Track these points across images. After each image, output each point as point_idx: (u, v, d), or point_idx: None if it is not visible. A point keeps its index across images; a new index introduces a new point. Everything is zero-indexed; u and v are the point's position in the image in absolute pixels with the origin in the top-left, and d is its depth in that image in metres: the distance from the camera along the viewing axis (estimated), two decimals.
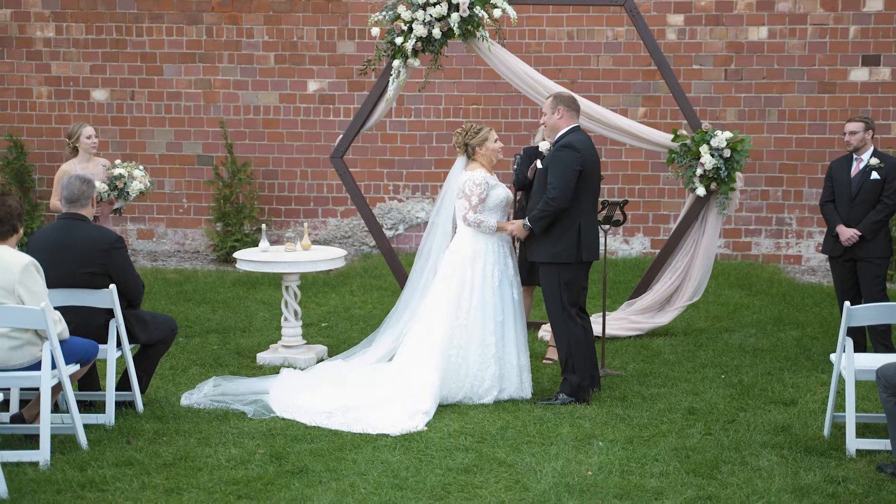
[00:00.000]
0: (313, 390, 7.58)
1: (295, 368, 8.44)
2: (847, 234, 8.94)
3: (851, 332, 8.62)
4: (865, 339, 8.67)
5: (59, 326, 6.42)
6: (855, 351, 6.75)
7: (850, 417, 6.57)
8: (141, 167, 9.69)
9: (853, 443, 6.56)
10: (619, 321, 9.92)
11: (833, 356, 7.00)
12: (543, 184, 7.78)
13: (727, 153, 9.59)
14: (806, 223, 13.26)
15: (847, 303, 6.86)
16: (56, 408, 6.97)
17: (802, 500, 5.81)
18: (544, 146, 8.47)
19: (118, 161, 9.72)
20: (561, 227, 7.71)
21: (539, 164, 8.35)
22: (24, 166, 13.64)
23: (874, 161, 9.00)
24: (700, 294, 9.95)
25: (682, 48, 13.36)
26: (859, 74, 13.16)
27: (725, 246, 13.48)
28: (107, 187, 9.23)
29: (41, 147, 13.92)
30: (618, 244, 13.61)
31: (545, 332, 9.57)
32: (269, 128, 13.71)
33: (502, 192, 7.96)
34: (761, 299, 11.39)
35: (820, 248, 12.33)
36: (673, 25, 13.40)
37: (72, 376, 6.64)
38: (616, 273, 12.40)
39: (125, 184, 9.32)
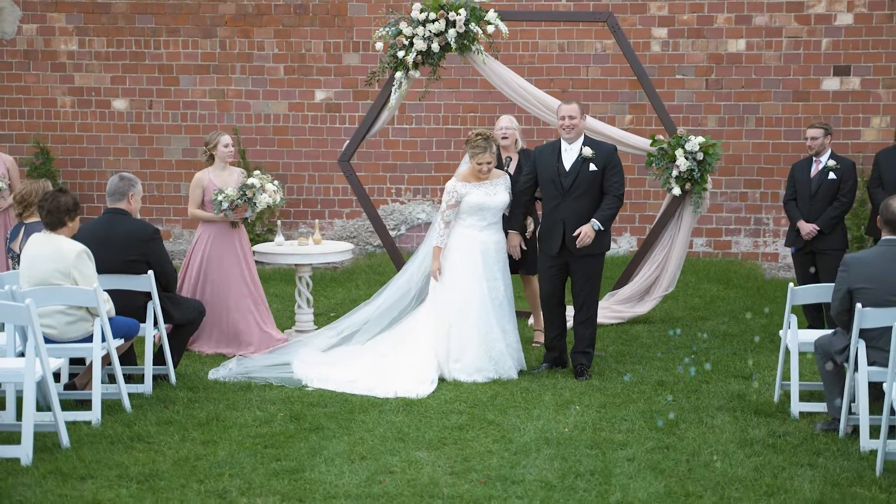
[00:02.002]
0: (333, 365, 8.57)
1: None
2: (807, 228, 9.88)
3: (810, 313, 9.57)
4: (823, 319, 9.59)
5: (107, 305, 7.39)
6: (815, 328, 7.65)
7: (794, 384, 7.51)
8: (276, 183, 9.60)
9: (796, 406, 7.51)
10: (603, 310, 10.77)
11: (781, 332, 7.94)
12: (594, 181, 8.56)
13: (700, 156, 10.43)
14: (782, 223, 13.75)
15: (791, 284, 7.81)
16: (101, 381, 7.90)
17: (746, 448, 6.76)
18: (588, 151, 8.70)
19: (257, 172, 9.73)
20: None
21: (591, 165, 8.71)
22: (49, 171, 14.23)
23: (831, 163, 9.93)
24: (674, 285, 10.82)
25: (666, 59, 14.01)
26: (831, 84, 13.79)
27: (707, 244, 14.24)
28: (237, 195, 9.29)
29: (65, 153, 14.51)
30: (610, 244, 14.42)
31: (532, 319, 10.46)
32: (279, 135, 14.33)
33: (474, 199, 8.72)
34: (736, 292, 12.23)
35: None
36: (657, 38, 14.06)
37: (117, 349, 7.59)
38: (605, 270, 13.19)
39: (254, 194, 9.32)
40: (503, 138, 9.75)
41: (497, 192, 8.78)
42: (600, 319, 10.60)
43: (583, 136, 8.77)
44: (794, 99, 13.88)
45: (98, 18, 14.47)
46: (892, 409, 6.29)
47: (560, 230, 8.60)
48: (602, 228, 8.59)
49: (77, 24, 14.49)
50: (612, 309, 10.84)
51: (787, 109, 13.89)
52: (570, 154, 8.68)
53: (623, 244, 14.20)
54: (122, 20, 14.46)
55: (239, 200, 9.31)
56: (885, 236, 6.92)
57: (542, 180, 8.72)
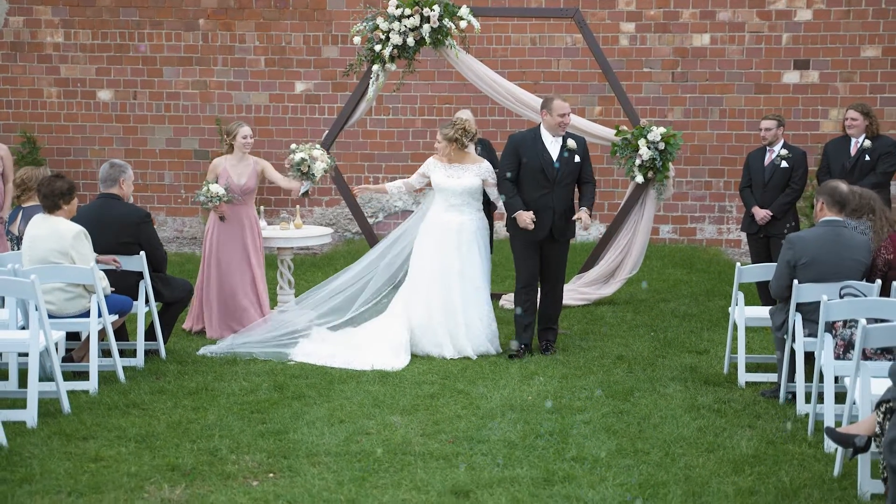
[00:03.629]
0: (319, 341, 9.14)
1: None
2: (761, 214, 10.47)
3: (764, 292, 10.09)
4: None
5: (103, 283, 7.93)
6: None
7: (741, 356, 8.12)
8: (318, 146, 9.97)
9: (743, 376, 8.13)
10: (570, 292, 11.30)
11: (730, 309, 8.54)
12: (576, 171, 9.14)
13: (661, 146, 10.95)
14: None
15: (738, 263, 8.40)
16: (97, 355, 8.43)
17: (692, 412, 7.37)
18: (572, 143, 9.20)
19: (293, 146, 9.99)
20: (573, 209, 9.22)
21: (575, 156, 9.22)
22: (36, 160, 14.49)
23: (784, 152, 10.52)
24: (638, 268, 11.38)
25: (634, 53, 14.47)
26: (791, 77, 14.31)
27: (673, 231, 14.74)
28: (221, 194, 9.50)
29: (51, 143, 14.89)
30: (577, 230, 14.94)
31: (505, 301, 11.00)
32: (260, 125, 14.67)
33: (435, 178, 9.33)
34: (699, 276, 12.77)
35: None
36: (625, 32, 14.48)
37: (112, 324, 8.12)
38: (574, 255, 13.53)
39: (309, 167, 9.72)
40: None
41: (461, 177, 9.25)
42: (567, 301, 11.11)
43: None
44: (756, 91, 14.38)
45: (83, 11, 14.84)
46: (821, 375, 6.90)
47: (550, 217, 9.07)
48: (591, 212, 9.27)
49: (63, 17, 14.87)
50: (578, 291, 11.37)
51: (750, 101, 14.38)
52: (554, 146, 9.11)
53: (593, 231, 14.62)
54: (107, 13, 14.83)
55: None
56: (828, 217, 7.48)
57: (528, 169, 9.07)
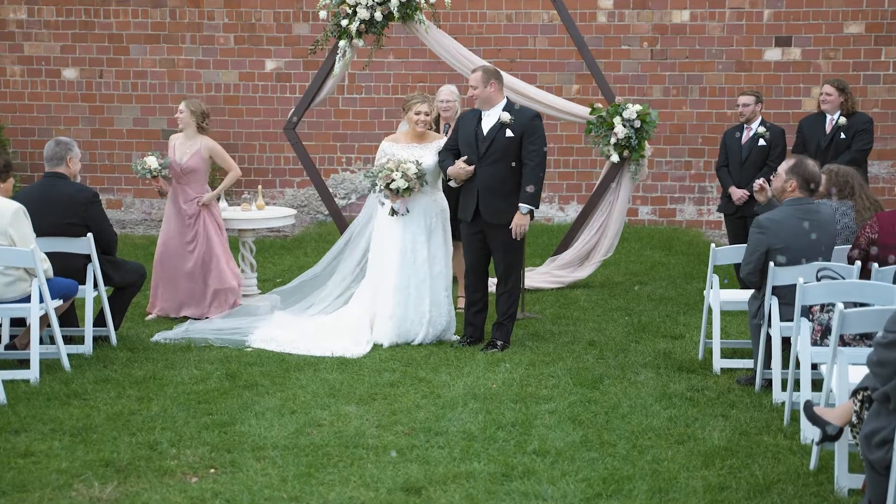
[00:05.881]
0: (281, 327, 8.80)
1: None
2: (738, 193, 10.15)
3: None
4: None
5: (45, 265, 7.52)
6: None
7: (716, 340, 7.78)
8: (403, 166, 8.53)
9: (718, 362, 7.78)
10: (543, 275, 11.04)
11: (704, 292, 8.21)
12: (510, 147, 8.28)
13: (637, 124, 10.67)
14: None
15: (713, 245, 8.07)
16: (41, 341, 8.05)
17: (664, 401, 7.02)
18: (502, 115, 8.41)
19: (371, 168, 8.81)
20: (517, 192, 8.35)
21: (507, 131, 8.42)
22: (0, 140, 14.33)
23: (761, 130, 10.21)
24: (613, 250, 11.06)
25: (612, 30, 14.26)
26: (773, 54, 14.12)
27: (652, 213, 14.53)
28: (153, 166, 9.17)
29: (15, 122, 14.60)
30: (554, 211, 14.68)
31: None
32: (229, 104, 14.49)
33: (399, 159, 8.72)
34: (678, 258, 12.49)
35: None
36: (603, 9, 14.28)
37: (56, 310, 7.73)
38: (550, 237, 13.43)
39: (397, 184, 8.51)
40: (444, 110, 9.91)
41: (423, 155, 8.72)
42: (540, 284, 10.84)
43: (504, 102, 8.51)
44: (737, 69, 14.17)
45: None
46: (797, 362, 6.57)
47: (474, 197, 8.39)
48: (532, 208, 8.31)
49: None
50: (552, 274, 11.07)
51: (730, 79, 14.16)
52: (489, 119, 8.43)
53: (570, 213, 14.46)
54: None
55: (150, 174, 9.33)
56: (797, 195, 7.15)
57: (461, 144, 8.50)
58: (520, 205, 8.31)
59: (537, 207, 8.41)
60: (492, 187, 8.37)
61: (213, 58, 14.54)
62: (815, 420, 5.31)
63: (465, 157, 8.45)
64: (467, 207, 8.50)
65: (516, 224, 8.31)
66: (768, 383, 7.22)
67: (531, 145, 8.33)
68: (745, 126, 10.25)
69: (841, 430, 5.21)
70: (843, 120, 10.06)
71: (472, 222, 8.51)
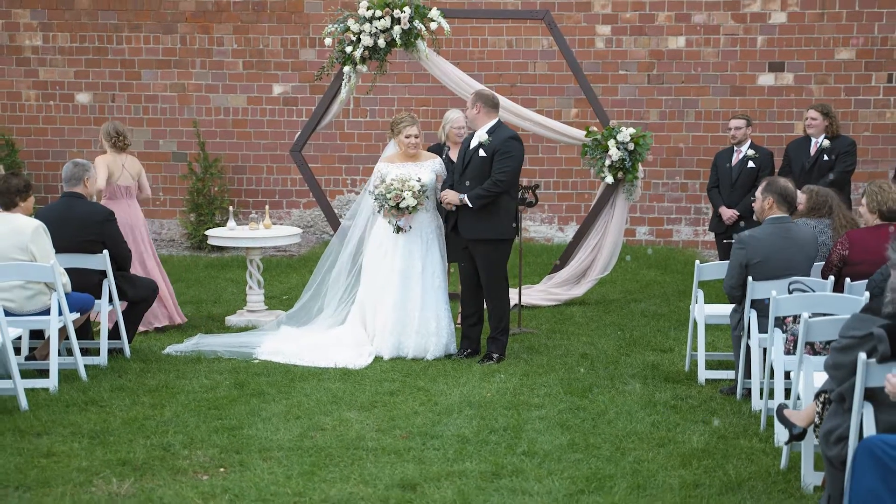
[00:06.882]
0: (287, 340, 9.16)
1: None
2: (728, 213, 10.55)
3: None
4: None
5: (64, 279, 7.96)
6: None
7: (701, 353, 8.16)
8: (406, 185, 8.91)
9: (703, 373, 8.17)
10: (540, 293, 11.39)
11: (690, 307, 8.59)
12: (483, 167, 8.63)
13: (631, 146, 11.03)
14: None
15: (697, 261, 8.46)
16: (59, 353, 8.46)
17: (648, 409, 7.42)
18: (482, 135, 8.76)
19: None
20: (498, 208, 8.72)
21: (480, 150, 8.76)
22: (14, 163, 14.55)
23: (751, 152, 10.62)
24: (610, 269, 11.40)
25: (610, 55, 14.54)
26: (766, 79, 14.39)
27: (649, 233, 14.82)
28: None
29: (30, 146, 14.92)
30: (553, 231, 15.01)
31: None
32: (238, 127, 14.80)
33: (393, 178, 9.00)
34: (673, 277, 12.80)
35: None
36: (601, 35, 14.55)
37: (73, 322, 8.15)
38: (550, 256, 13.72)
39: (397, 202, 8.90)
40: (459, 136, 9.87)
41: (421, 173, 9.00)
42: (537, 301, 11.18)
43: (490, 124, 8.78)
44: (732, 94, 14.44)
45: (62, 14, 14.86)
46: (772, 370, 6.95)
47: (454, 215, 8.82)
48: (468, 203, 8.61)
49: (41, 20, 14.88)
50: (548, 292, 11.41)
51: (725, 104, 14.41)
52: (474, 141, 8.83)
53: (569, 233, 14.65)
54: (86, 16, 14.85)
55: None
56: (776, 213, 7.55)
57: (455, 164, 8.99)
58: (464, 195, 8.68)
59: (470, 205, 8.69)
60: (467, 207, 8.74)
61: (223, 82, 14.84)
62: (784, 421, 5.70)
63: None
64: (450, 222, 8.94)
65: (447, 195, 8.74)
66: (749, 392, 7.60)
67: (499, 163, 8.63)
68: (736, 148, 10.66)
69: (805, 430, 5.59)
70: (826, 143, 10.46)
71: (459, 236, 8.89)
